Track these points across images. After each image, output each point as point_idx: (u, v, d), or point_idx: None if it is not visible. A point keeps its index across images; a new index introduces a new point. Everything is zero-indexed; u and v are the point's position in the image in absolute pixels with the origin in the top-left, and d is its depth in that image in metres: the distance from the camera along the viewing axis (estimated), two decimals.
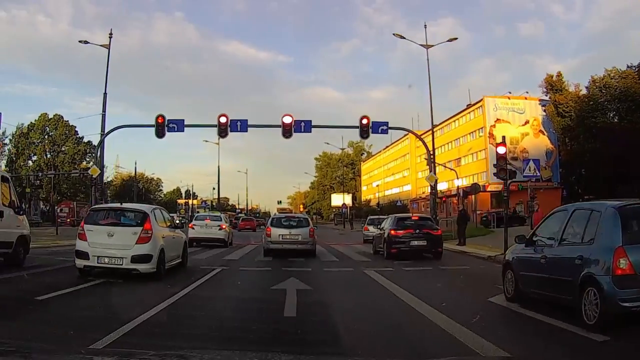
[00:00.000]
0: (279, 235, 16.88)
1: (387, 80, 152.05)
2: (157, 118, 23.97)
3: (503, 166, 15.22)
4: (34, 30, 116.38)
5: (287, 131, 23.79)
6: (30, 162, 72.60)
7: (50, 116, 73.25)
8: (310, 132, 24.27)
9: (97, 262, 9.86)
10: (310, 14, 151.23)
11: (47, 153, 72.97)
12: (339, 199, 76.32)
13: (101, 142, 26.30)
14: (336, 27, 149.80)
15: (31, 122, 72.51)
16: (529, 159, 14.80)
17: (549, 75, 54.04)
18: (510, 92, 60.88)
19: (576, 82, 52.06)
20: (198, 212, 71.20)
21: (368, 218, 31.96)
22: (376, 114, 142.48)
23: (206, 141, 64.82)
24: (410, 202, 79.18)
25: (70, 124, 72.62)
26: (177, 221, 15.62)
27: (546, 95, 55.10)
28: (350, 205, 70.65)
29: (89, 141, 70.66)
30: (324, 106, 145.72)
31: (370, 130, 24.05)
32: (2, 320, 6.03)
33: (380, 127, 24.43)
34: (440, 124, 64.04)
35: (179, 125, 24.27)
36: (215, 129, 23.91)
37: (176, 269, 11.61)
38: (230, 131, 23.93)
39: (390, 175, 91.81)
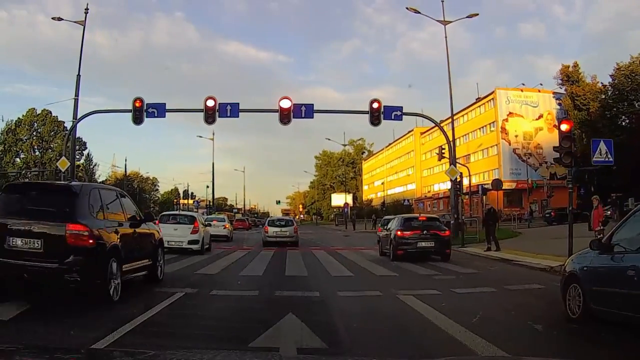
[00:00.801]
0: (273, 231, 23.49)
1: (387, 80, 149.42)
2: (134, 102, 20.71)
3: (569, 149, 11.30)
4: (34, 30, 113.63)
5: (286, 116, 20.58)
6: (18, 159, 69.35)
7: (38, 112, 69.94)
8: (312, 117, 21.06)
9: (167, 244, 14.15)
10: (310, 14, 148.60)
11: (35, 150, 69.69)
12: (339, 199, 73.56)
13: (73, 129, 23.00)
14: (336, 27, 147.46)
15: (18, 118, 69.35)
16: (599, 140, 10.90)
17: (565, 65, 50.72)
18: (523, 84, 57.53)
19: (593, 74, 48.73)
20: (196, 212, 69.08)
21: (383, 219, 28.96)
22: None
23: (200, 137, 61.52)
24: (416, 202, 75.89)
25: (59, 120, 69.26)
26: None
27: (561, 88, 51.82)
28: (351, 205, 67.36)
29: (78, 137, 67.15)
30: (325, 106, 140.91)
31: (382, 116, 20.95)
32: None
33: (394, 113, 21.22)
34: (447, 119, 60.53)
35: (159, 110, 21.01)
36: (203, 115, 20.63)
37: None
38: (219, 116, 20.75)
39: (394, 174, 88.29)
